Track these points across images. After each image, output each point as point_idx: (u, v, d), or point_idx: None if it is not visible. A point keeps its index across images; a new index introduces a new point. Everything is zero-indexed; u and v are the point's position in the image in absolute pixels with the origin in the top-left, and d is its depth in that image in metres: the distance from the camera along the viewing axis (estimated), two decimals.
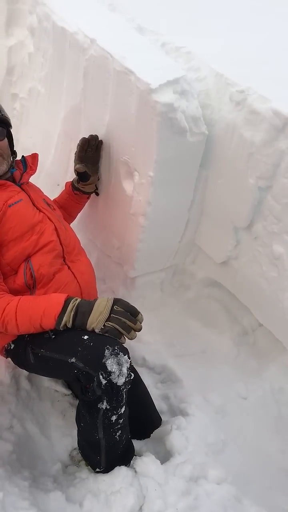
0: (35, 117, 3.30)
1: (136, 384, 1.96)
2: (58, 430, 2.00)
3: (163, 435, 2.01)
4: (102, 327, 1.68)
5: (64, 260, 2.05)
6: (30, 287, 1.90)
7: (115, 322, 1.69)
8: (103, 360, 1.64)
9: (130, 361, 1.72)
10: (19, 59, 3.31)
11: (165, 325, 2.63)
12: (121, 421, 1.74)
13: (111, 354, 1.65)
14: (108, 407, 1.68)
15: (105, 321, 1.69)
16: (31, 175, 2.27)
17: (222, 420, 2.18)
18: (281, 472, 1.94)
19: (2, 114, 2.12)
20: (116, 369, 1.65)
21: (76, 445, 1.98)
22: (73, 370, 1.70)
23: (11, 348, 1.92)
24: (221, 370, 2.51)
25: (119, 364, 1.66)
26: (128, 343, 2.42)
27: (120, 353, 1.67)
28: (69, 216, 2.62)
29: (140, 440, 2.03)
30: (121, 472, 1.73)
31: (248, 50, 2.53)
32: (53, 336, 1.75)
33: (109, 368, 1.64)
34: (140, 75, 2.15)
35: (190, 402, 2.20)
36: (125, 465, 1.79)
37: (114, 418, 1.71)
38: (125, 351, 1.71)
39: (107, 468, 1.79)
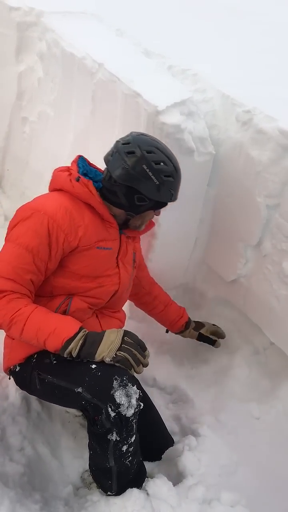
0: (45, 140, 3.36)
1: (147, 407, 1.93)
2: (69, 451, 1.98)
3: (174, 456, 1.98)
4: (114, 356, 1.63)
5: (98, 310, 1.98)
6: None
7: (127, 352, 1.64)
8: (112, 392, 1.61)
9: (139, 392, 1.68)
10: (29, 84, 3.38)
11: (175, 344, 2.61)
12: (131, 449, 1.70)
13: (119, 386, 1.62)
14: (118, 438, 1.65)
15: (117, 351, 1.64)
16: (137, 235, 2.11)
17: (235, 440, 2.14)
18: None
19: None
20: (125, 401, 1.61)
21: (87, 467, 1.96)
22: (80, 401, 1.66)
23: (16, 370, 1.87)
24: (233, 390, 2.48)
25: (128, 395, 1.63)
26: None
27: (129, 384, 1.64)
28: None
29: (152, 462, 2.00)
30: (133, 494, 1.70)
31: (254, 71, 2.58)
32: (54, 362, 1.72)
33: (117, 400, 1.60)
34: (147, 98, 2.19)
35: (202, 423, 2.18)
36: (137, 488, 1.77)
37: (124, 448, 1.67)
38: (134, 381, 1.67)
39: (118, 492, 1.76)
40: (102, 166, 1.97)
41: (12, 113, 3.53)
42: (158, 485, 1.71)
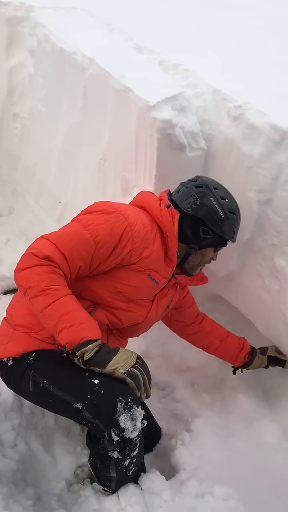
0: (36, 136, 3.35)
1: None
2: (62, 447, 1.98)
3: (168, 451, 1.99)
4: (128, 370, 1.59)
5: (111, 329, 1.95)
6: None
7: (140, 372, 1.61)
8: (116, 416, 1.54)
9: (143, 411, 1.62)
10: (20, 80, 3.36)
11: (168, 340, 2.62)
12: (135, 460, 1.66)
13: (124, 409, 1.55)
14: (120, 457, 1.60)
15: (131, 367, 1.61)
16: (185, 284, 2.15)
17: (227, 435, 2.15)
18: (287, 486, 1.92)
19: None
20: (130, 425, 1.55)
21: (80, 462, 1.96)
22: (78, 417, 1.61)
23: (8, 364, 1.78)
24: (226, 384, 2.49)
25: (133, 419, 1.56)
26: None
27: (134, 406, 1.58)
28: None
29: (144, 454, 2.01)
30: (126, 490, 1.71)
31: (245, 66, 2.58)
32: (64, 354, 1.60)
33: (122, 425, 1.54)
34: (138, 93, 2.19)
35: (195, 418, 2.19)
36: (133, 482, 1.76)
37: (127, 462, 1.63)
38: (138, 402, 1.61)
39: (115, 491, 1.74)
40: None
41: (3, 109, 3.52)
42: (151, 479, 1.72)
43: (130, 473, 1.68)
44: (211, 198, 1.90)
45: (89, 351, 1.55)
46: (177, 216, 1.87)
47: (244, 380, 2.48)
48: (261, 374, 2.54)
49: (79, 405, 1.59)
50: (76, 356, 1.56)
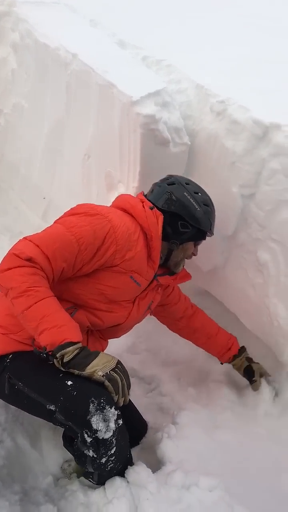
0: (20, 132, 3.33)
1: None
2: (49, 442, 1.98)
3: (154, 444, 2.00)
4: (107, 373, 1.59)
5: (92, 330, 1.96)
6: None
7: (119, 377, 1.61)
8: (88, 417, 1.53)
9: (118, 411, 1.60)
10: (3, 76, 3.34)
11: (154, 334, 2.63)
12: (113, 458, 1.62)
13: (96, 410, 1.54)
14: (95, 455, 1.58)
15: (110, 370, 1.60)
16: (171, 284, 2.16)
17: (213, 427, 2.17)
18: (272, 477, 1.95)
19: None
20: (103, 426, 1.54)
21: (67, 457, 1.97)
22: (52, 418, 1.61)
23: None
24: (211, 377, 2.52)
25: (106, 420, 1.55)
26: (117, 353, 2.43)
27: (107, 407, 1.56)
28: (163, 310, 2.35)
29: (131, 448, 2.02)
30: (113, 482, 1.71)
31: (228, 62, 2.59)
32: (43, 355, 1.58)
33: (94, 426, 1.53)
34: (122, 88, 2.19)
35: (180, 411, 2.20)
36: (119, 475, 1.76)
37: (104, 459, 1.60)
38: (112, 403, 1.59)
39: (99, 483, 1.73)
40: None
41: None
42: (137, 472, 1.72)
43: (109, 469, 1.65)
44: (185, 193, 1.96)
45: (69, 353, 1.55)
46: (161, 217, 1.91)
47: (229, 373, 2.51)
48: None
49: (52, 407, 1.59)
50: (56, 358, 1.55)
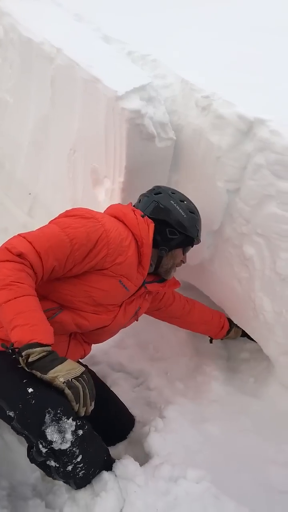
0: (4, 127, 3.30)
1: (104, 398, 1.95)
2: None
3: (141, 438, 2.02)
4: (69, 380, 1.56)
5: (75, 332, 1.96)
6: None
7: (81, 386, 1.57)
8: (43, 428, 1.50)
9: (77, 421, 1.56)
10: None
11: (141, 329, 2.64)
12: (81, 465, 1.60)
13: (52, 420, 1.50)
14: (57, 465, 1.56)
15: (73, 378, 1.57)
16: (160, 290, 2.20)
17: (200, 420, 2.19)
18: (257, 468, 1.97)
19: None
20: (58, 437, 1.51)
21: None
22: (11, 425, 1.60)
23: None
24: (199, 371, 2.54)
25: (61, 431, 1.51)
26: (104, 348, 2.44)
27: (63, 418, 1.52)
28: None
29: (119, 442, 2.03)
30: (100, 476, 1.72)
31: (213, 57, 2.59)
32: (10, 351, 1.56)
33: (49, 438, 1.50)
34: (107, 83, 2.19)
35: (168, 405, 2.22)
36: (106, 470, 1.77)
37: (70, 467, 1.58)
38: (70, 413, 1.55)
39: (79, 487, 1.71)
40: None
41: None
42: (125, 465, 1.73)
43: (81, 475, 1.64)
44: (171, 201, 2.04)
45: (35, 353, 1.53)
46: (152, 225, 1.97)
47: (216, 367, 2.53)
48: (234, 361, 2.60)
49: (11, 413, 1.57)
50: (21, 356, 1.54)
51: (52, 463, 1.56)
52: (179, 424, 2.11)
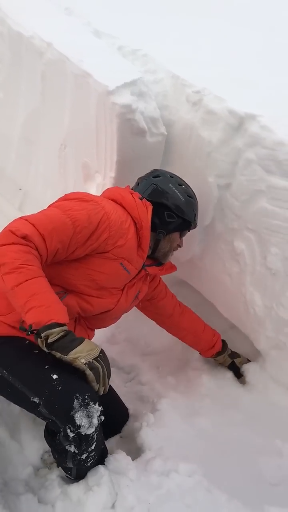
0: None
1: None
2: (28, 433, 1.97)
3: (133, 432, 2.02)
4: (90, 361, 1.58)
5: (79, 317, 1.97)
6: None
7: (101, 365, 1.60)
8: (72, 413, 1.53)
9: (101, 408, 1.61)
10: None
11: (133, 324, 2.65)
12: (92, 453, 1.65)
13: (80, 406, 1.54)
14: (76, 451, 1.59)
15: (93, 358, 1.59)
16: (158, 273, 2.19)
17: (192, 414, 2.20)
18: (248, 461, 1.99)
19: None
20: (86, 422, 1.55)
21: (47, 448, 1.96)
22: (35, 411, 1.61)
23: None
24: (190, 366, 2.55)
25: (89, 416, 1.56)
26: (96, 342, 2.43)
27: (91, 403, 1.57)
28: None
29: (112, 437, 2.04)
30: (93, 471, 1.72)
31: (203, 52, 2.60)
32: (29, 333, 1.56)
33: (77, 422, 1.54)
34: (97, 78, 2.18)
35: (160, 399, 2.23)
36: (99, 464, 1.78)
37: (84, 455, 1.63)
38: (96, 399, 1.60)
39: (77, 478, 1.74)
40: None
41: None
42: (117, 460, 1.74)
43: (88, 464, 1.68)
44: (170, 185, 2.05)
45: (55, 334, 1.54)
46: (150, 207, 1.99)
47: (208, 361, 2.54)
48: None
49: (36, 400, 1.59)
50: (41, 337, 1.54)
51: (72, 449, 1.58)
52: (171, 418, 2.12)
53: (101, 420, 1.61)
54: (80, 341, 1.61)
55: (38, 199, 3.02)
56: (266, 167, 2.02)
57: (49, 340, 1.54)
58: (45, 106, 2.69)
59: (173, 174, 2.12)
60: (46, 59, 2.55)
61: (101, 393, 1.64)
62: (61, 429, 1.57)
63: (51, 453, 1.94)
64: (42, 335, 1.53)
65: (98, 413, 1.60)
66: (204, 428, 2.14)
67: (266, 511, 1.71)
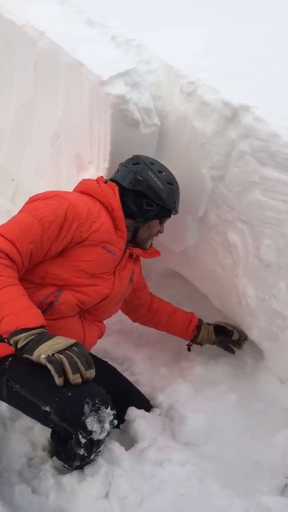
0: None
1: (115, 378, 2.06)
2: (22, 423, 1.99)
3: (127, 423, 2.03)
4: (50, 355, 1.52)
5: (83, 312, 1.98)
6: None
7: (65, 356, 1.53)
8: (83, 418, 1.52)
9: (114, 412, 1.59)
10: None
11: (125, 316, 2.65)
12: (99, 452, 1.65)
13: (91, 411, 1.53)
14: (86, 454, 1.59)
15: (55, 352, 1.53)
16: (141, 255, 2.18)
17: (185, 405, 2.21)
18: (243, 451, 2.01)
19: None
20: (97, 427, 1.53)
21: (40, 439, 1.97)
22: (47, 420, 1.59)
23: None
24: (183, 357, 2.56)
25: (101, 421, 1.54)
26: None
27: (102, 408, 1.55)
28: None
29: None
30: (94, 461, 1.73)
31: (197, 43, 2.58)
32: (27, 369, 1.60)
33: (89, 428, 1.52)
34: (91, 68, 2.17)
35: (153, 389, 2.24)
36: None
37: (93, 456, 1.63)
38: (107, 402, 1.58)
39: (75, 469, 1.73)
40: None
41: None
42: (111, 450, 1.74)
43: (92, 461, 1.68)
44: (149, 172, 2.06)
45: (22, 339, 1.55)
46: (116, 188, 2.03)
47: (200, 352, 2.55)
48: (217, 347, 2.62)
49: (47, 408, 1.57)
50: (11, 344, 1.57)
51: (81, 452, 1.58)
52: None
53: (113, 424, 1.61)
54: (48, 338, 1.58)
55: (31, 190, 2.99)
56: (260, 159, 2.02)
57: (18, 346, 1.55)
58: (38, 96, 2.67)
59: (153, 160, 2.13)
60: (39, 49, 2.53)
61: (76, 381, 1.54)
62: (73, 435, 1.56)
63: (44, 444, 1.95)
64: (11, 342, 1.56)
65: (111, 418, 1.58)
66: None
67: (258, 500, 1.73)
